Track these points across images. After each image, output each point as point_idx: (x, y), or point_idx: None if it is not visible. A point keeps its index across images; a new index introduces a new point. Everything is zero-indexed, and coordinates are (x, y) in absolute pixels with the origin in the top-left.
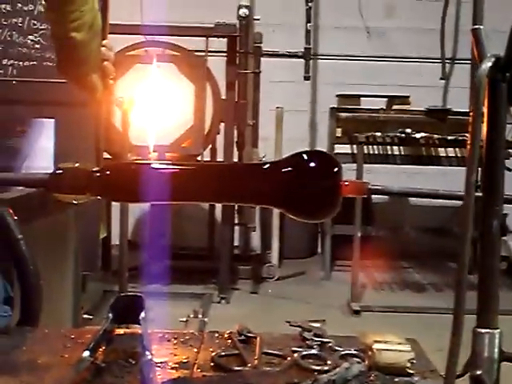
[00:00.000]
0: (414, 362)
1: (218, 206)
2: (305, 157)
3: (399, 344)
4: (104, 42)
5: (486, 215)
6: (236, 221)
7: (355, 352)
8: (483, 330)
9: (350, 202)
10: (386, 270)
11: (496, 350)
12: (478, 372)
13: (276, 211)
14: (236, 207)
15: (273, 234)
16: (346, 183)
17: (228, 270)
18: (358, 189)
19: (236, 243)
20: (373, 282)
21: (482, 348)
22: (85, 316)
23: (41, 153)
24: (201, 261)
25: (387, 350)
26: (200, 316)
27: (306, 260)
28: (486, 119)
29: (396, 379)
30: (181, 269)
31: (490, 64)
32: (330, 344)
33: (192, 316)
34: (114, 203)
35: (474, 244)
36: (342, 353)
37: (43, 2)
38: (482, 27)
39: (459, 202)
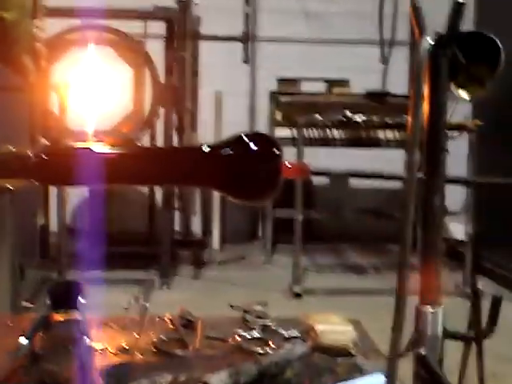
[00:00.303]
0: (357, 342)
1: (158, 191)
2: (245, 139)
3: (341, 325)
4: (36, 22)
5: (428, 194)
6: (176, 205)
7: (298, 334)
8: (426, 308)
9: (290, 186)
10: (326, 253)
11: (439, 327)
12: (422, 350)
13: (216, 195)
14: (176, 192)
15: (213, 218)
16: (288, 165)
17: (169, 255)
18: (300, 170)
19: (176, 228)
20: (314, 265)
21: (425, 326)
22: (24, 304)
23: None
24: (141, 246)
25: (330, 331)
26: (141, 302)
27: (247, 244)
28: (427, 97)
29: (339, 360)
30: (121, 254)
31: (430, 41)
32: (273, 326)
33: (133, 302)
34: (52, 190)
35: (414, 227)
36: (285, 335)
37: None
38: (420, 5)
39: (398, 185)
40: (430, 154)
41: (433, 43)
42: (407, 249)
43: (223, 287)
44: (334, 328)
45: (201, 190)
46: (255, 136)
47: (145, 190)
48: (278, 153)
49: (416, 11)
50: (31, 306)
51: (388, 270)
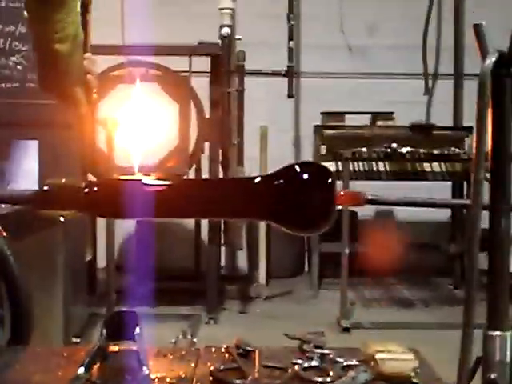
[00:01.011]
0: (418, 370)
1: (204, 227)
2: (297, 168)
3: (401, 353)
4: (86, 55)
5: (494, 214)
6: (222, 241)
7: (357, 363)
8: (494, 333)
9: (335, 219)
10: (373, 286)
11: (508, 352)
12: (492, 376)
13: (262, 230)
14: (222, 227)
15: (259, 253)
16: (342, 193)
17: (215, 290)
18: (354, 198)
19: (222, 263)
20: (361, 299)
21: (493, 351)
22: (73, 340)
23: (25, 175)
24: (188, 282)
25: (390, 359)
26: (189, 337)
27: (293, 279)
28: (490, 117)
29: None
30: (168, 290)
31: (494, 59)
32: (331, 355)
33: (181, 337)
34: (99, 227)
35: (461, 259)
36: (344, 364)
37: (25, 14)
38: (483, 23)
39: (444, 217)
40: (496, 171)
41: (495, 61)
42: (474, 274)
43: (270, 322)
44: (394, 356)
45: (246, 225)
46: (307, 165)
47: (190, 225)
48: (330, 181)
49: (478, 28)
50: (78, 341)
51: (436, 304)
